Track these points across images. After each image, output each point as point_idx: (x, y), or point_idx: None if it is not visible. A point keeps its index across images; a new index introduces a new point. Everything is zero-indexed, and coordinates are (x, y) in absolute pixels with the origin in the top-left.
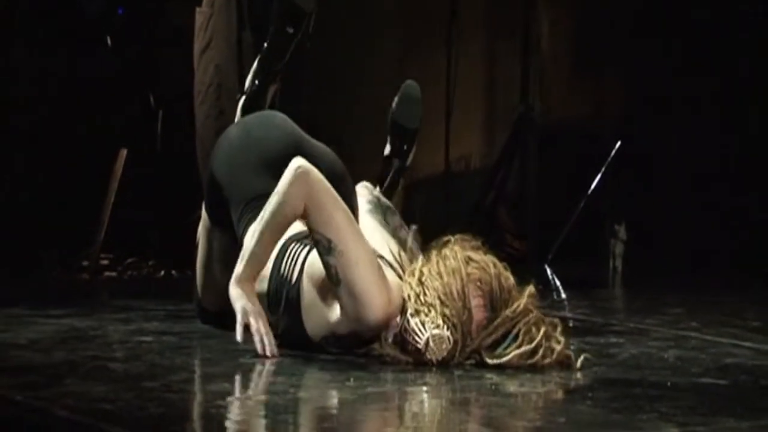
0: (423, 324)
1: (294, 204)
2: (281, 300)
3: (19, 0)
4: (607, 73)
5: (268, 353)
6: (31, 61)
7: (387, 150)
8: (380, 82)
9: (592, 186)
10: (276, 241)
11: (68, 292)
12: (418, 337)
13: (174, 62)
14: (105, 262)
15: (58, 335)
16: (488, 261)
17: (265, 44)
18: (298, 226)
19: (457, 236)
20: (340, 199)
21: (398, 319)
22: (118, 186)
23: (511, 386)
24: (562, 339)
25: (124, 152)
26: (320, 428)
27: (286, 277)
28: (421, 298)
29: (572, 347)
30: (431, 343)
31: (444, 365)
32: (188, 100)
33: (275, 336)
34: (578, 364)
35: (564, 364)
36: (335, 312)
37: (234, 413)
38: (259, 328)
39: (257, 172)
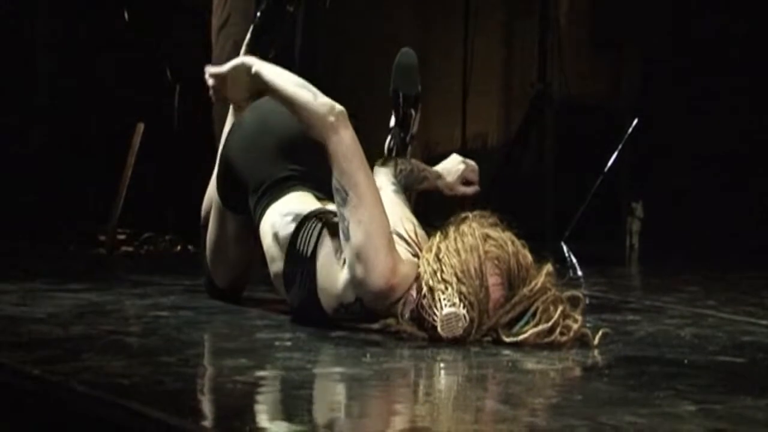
0: (440, 301)
1: (317, 123)
2: (297, 276)
3: None
4: (625, 50)
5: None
6: (50, 37)
7: (392, 122)
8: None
9: (609, 163)
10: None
11: (86, 267)
12: (435, 314)
13: (192, 38)
14: (122, 236)
15: (75, 309)
16: (506, 238)
17: (258, 14)
18: (313, 203)
19: (476, 212)
20: (365, 161)
21: (414, 294)
22: (135, 161)
23: (528, 363)
24: (579, 317)
25: (141, 127)
26: (338, 404)
27: (302, 252)
28: (438, 274)
29: (589, 325)
30: (447, 321)
31: (460, 342)
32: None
33: (290, 311)
34: (596, 340)
35: (581, 341)
36: (344, 276)
37: (250, 388)
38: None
39: (275, 158)
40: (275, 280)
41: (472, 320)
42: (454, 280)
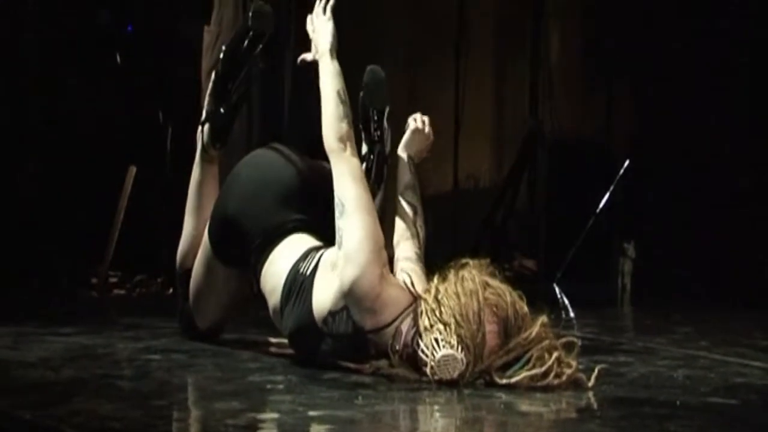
0: (437, 341)
1: (328, 140)
2: (295, 291)
3: (30, 10)
4: (616, 88)
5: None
6: (43, 79)
7: (364, 149)
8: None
9: (601, 204)
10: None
11: (77, 310)
12: (432, 354)
13: (183, 80)
14: (114, 279)
15: (67, 353)
16: (504, 288)
17: (219, 65)
18: (315, 242)
19: (474, 260)
20: (365, 181)
21: (405, 328)
22: (127, 203)
23: (522, 405)
24: (574, 363)
25: (133, 170)
26: None
27: (303, 272)
28: (437, 314)
29: (581, 366)
30: (444, 363)
31: (452, 384)
32: (197, 118)
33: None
34: (592, 380)
35: (575, 384)
36: (335, 283)
37: (243, 431)
38: None
39: (276, 209)
40: (273, 313)
41: (467, 364)
42: (453, 321)
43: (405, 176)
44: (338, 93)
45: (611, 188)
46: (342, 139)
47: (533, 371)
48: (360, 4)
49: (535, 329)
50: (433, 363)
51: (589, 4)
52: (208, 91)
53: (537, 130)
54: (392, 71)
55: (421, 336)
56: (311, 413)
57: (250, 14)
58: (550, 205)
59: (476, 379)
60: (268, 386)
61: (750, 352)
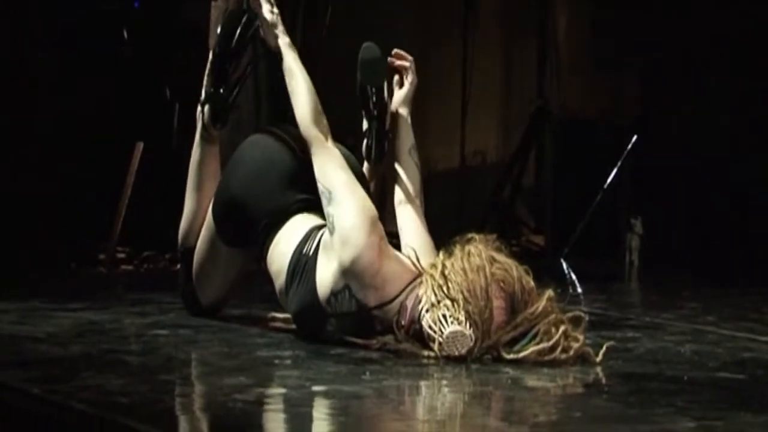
0: (444, 318)
1: (304, 131)
2: (299, 272)
3: None
4: (624, 67)
5: None
6: (50, 55)
7: (364, 125)
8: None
9: (609, 180)
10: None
11: (85, 286)
12: (440, 330)
13: (190, 56)
14: (121, 255)
15: (74, 328)
16: (511, 263)
17: (215, 45)
18: (320, 221)
19: (480, 235)
20: (345, 165)
21: (411, 303)
22: (134, 179)
23: (529, 380)
24: (581, 337)
25: (140, 145)
26: (337, 422)
27: (306, 252)
28: (444, 290)
29: (589, 341)
30: (453, 339)
31: (459, 360)
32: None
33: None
34: (599, 356)
35: (583, 359)
36: (334, 263)
37: (250, 407)
38: None
39: (282, 190)
40: (280, 294)
41: (475, 340)
42: (461, 297)
43: (409, 134)
44: (309, 84)
45: (619, 164)
46: (321, 129)
47: (540, 345)
48: None
49: (542, 304)
50: (441, 339)
51: None
52: (206, 71)
53: (544, 106)
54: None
55: (427, 312)
56: (318, 388)
57: None
58: (557, 182)
59: (483, 354)
60: (276, 361)
61: (758, 327)
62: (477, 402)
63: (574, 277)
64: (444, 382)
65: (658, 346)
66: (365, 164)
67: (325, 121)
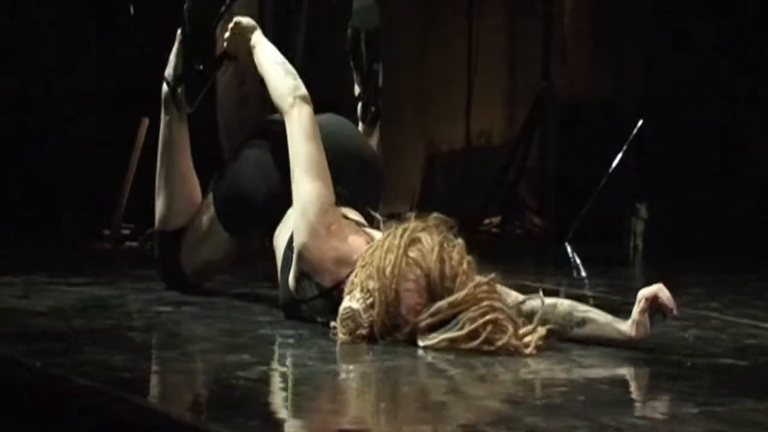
0: (350, 293)
1: (278, 101)
2: (285, 263)
3: None
4: (629, 48)
5: None
6: (54, 31)
7: (357, 89)
8: (401, 58)
9: (614, 164)
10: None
11: (89, 261)
12: (342, 304)
13: None
14: (126, 231)
15: (78, 303)
16: (436, 246)
17: (185, 24)
18: None
19: (433, 215)
20: (318, 141)
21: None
22: (139, 155)
23: (531, 363)
24: (510, 329)
25: (146, 121)
26: (339, 400)
27: (291, 245)
28: (364, 268)
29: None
30: (345, 316)
31: (360, 341)
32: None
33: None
34: (532, 346)
35: (512, 352)
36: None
37: (253, 384)
38: None
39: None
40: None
41: (371, 320)
42: (368, 276)
43: None
44: (277, 61)
45: (624, 148)
46: (291, 94)
47: (454, 334)
48: None
49: (464, 292)
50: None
51: None
52: (174, 51)
53: (549, 88)
54: (404, 30)
55: (347, 292)
56: (320, 367)
57: None
58: (561, 165)
59: (405, 339)
60: (279, 339)
61: (761, 313)
62: (480, 384)
63: (578, 261)
64: (448, 364)
65: (661, 332)
66: (360, 124)
67: (293, 84)
